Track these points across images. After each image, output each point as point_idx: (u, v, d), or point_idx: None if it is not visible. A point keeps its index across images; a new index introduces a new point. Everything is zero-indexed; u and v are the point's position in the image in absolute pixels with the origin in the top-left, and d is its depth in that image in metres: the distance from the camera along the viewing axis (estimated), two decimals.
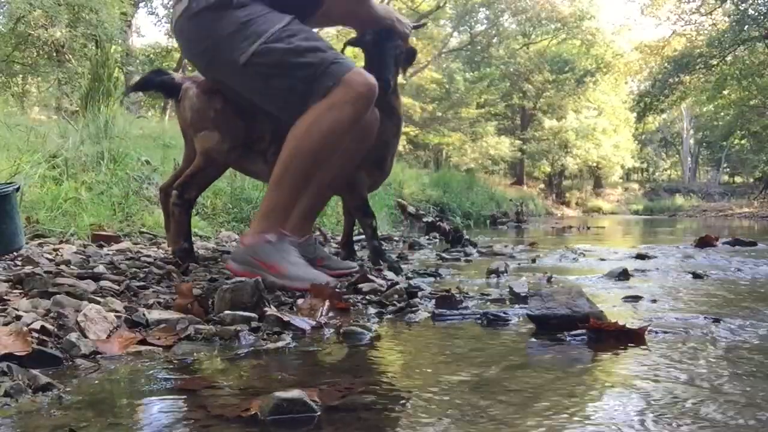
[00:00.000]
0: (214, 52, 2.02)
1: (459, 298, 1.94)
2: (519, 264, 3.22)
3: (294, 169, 1.92)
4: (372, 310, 1.79)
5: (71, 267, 2.06)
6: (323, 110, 1.90)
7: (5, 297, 1.50)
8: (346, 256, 2.83)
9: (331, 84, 1.90)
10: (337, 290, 1.85)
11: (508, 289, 2.09)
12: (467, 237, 4.64)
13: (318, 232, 4.59)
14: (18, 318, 1.31)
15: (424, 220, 6.59)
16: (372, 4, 2.35)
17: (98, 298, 1.53)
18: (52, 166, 3.70)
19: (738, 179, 37.23)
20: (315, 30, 2.23)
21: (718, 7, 21.25)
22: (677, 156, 42.50)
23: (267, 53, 1.92)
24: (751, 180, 28.52)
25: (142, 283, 1.89)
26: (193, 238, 2.61)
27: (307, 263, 1.95)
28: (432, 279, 2.54)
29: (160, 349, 1.30)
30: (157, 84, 2.37)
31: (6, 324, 1.27)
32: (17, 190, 2.26)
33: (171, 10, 2.17)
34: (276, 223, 1.91)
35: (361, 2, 2.30)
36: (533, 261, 3.37)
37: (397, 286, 2.02)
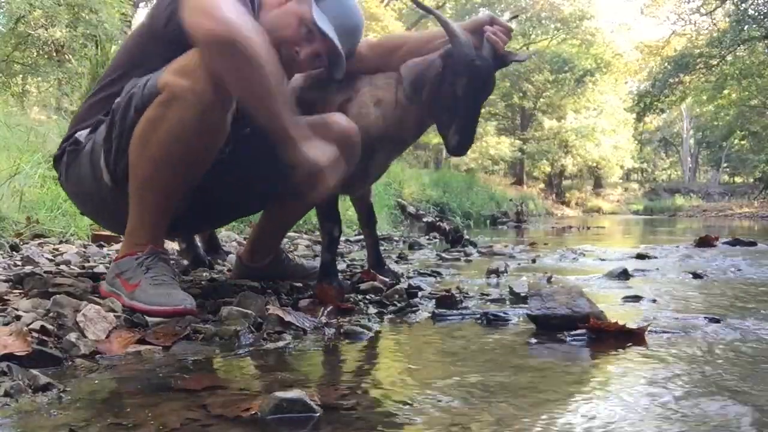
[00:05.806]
0: (91, 204, 1.79)
1: (459, 298, 1.94)
2: (519, 264, 3.22)
3: (151, 180, 1.56)
4: (372, 310, 1.79)
5: (71, 267, 2.06)
6: (153, 116, 1.52)
7: (5, 297, 1.50)
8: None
9: (143, 103, 1.53)
10: (341, 290, 1.85)
11: (508, 289, 2.09)
12: (467, 237, 4.65)
13: None
14: (18, 318, 1.31)
15: (424, 220, 6.60)
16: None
17: (98, 298, 1.53)
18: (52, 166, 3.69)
19: (738, 179, 37.17)
20: None
21: (719, 7, 21.25)
22: (677, 156, 42.47)
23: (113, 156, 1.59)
24: (751, 180, 28.48)
25: None
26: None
27: (174, 285, 1.57)
28: (432, 279, 2.54)
29: (160, 348, 1.30)
30: None
31: (6, 324, 1.27)
32: None
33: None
34: (147, 240, 1.60)
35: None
36: (533, 261, 3.37)
37: (398, 286, 2.02)
